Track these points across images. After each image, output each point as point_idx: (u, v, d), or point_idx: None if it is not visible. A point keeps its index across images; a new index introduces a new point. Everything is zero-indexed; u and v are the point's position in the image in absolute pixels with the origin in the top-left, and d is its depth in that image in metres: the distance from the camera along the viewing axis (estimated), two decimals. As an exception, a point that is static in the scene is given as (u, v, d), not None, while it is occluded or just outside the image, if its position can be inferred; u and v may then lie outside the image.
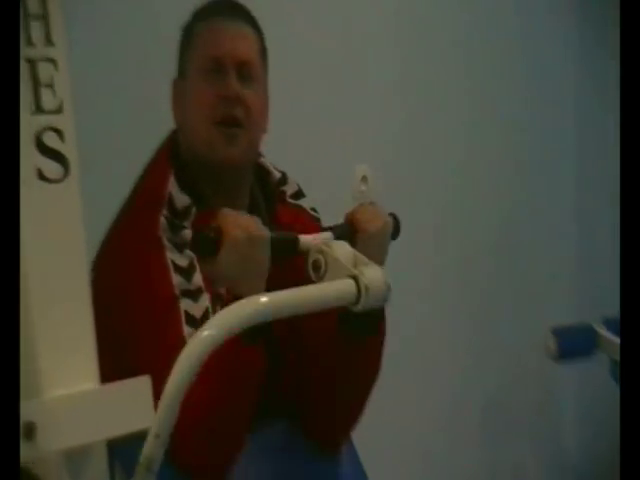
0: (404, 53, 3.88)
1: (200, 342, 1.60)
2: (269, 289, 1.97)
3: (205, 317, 2.02)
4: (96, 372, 1.55)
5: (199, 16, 2.28)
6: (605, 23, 4.41)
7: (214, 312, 2.04)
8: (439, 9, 4.01)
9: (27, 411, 1.43)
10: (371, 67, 3.74)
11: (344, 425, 2.32)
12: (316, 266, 1.94)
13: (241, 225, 1.94)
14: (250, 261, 1.94)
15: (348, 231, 2.13)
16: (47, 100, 1.53)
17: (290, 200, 2.37)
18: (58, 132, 1.54)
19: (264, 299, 1.66)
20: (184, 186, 2.17)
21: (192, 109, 2.22)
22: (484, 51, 4.16)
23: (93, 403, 1.53)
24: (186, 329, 2.02)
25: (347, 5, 3.70)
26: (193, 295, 2.06)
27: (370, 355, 2.24)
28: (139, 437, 1.57)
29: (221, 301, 1.98)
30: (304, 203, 2.39)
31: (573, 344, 3.71)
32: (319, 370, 2.22)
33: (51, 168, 1.53)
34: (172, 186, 2.16)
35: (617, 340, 3.63)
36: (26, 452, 1.42)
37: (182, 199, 2.15)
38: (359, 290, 1.79)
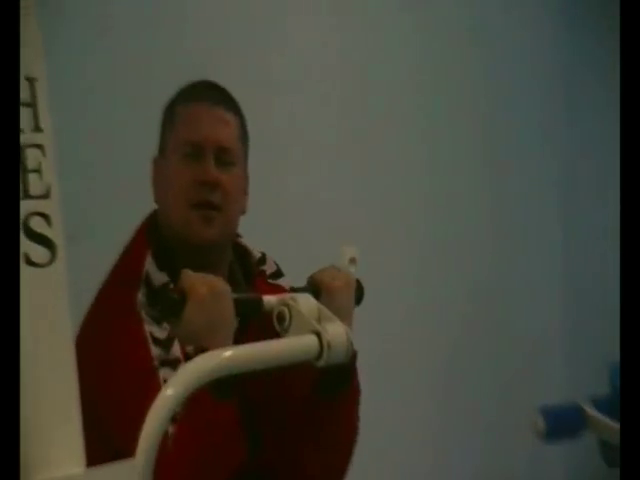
0: (381, 135, 3.89)
1: (163, 401, 1.61)
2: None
3: None
4: (82, 455, 1.53)
5: (182, 97, 2.30)
6: (593, 38, 4.44)
7: None
8: (416, 96, 4.03)
9: (13, 495, 1.43)
10: (353, 149, 3.75)
11: None
12: (280, 318, 1.94)
13: (205, 283, 1.96)
14: (215, 317, 1.96)
15: (312, 292, 2.14)
16: (34, 185, 1.54)
17: (269, 280, 2.37)
18: (45, 217, 1.54)
19: (226, 353, 1.69)
20: (161, 264, 2.18)
21: (170, 190, 2.24)
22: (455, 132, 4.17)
23: (80, 487, 1.50)
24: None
25: (325, 91, 3.77)
26: (172, 364, 2.06)
27: (344, 413, 2.24)
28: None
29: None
30: (282, 282, 2.39)
31: (561, 423, 3.71)
32: (295, 433, 2.20)
33: (38, 252, 1.53)
34: (149, 264, 2.18)
35: (606, 420, 3.63)
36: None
37: (159, 277, 2.15)
38: (321, 346, 1.81)
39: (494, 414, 4.13)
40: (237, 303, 2.02)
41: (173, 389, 1.64)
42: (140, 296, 2.12)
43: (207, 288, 1.96)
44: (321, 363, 1.82)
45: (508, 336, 4.25)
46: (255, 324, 2.13)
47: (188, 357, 2.01)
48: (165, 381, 2.00)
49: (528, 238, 4.38)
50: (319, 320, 1.91)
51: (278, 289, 2.34)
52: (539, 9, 4.61)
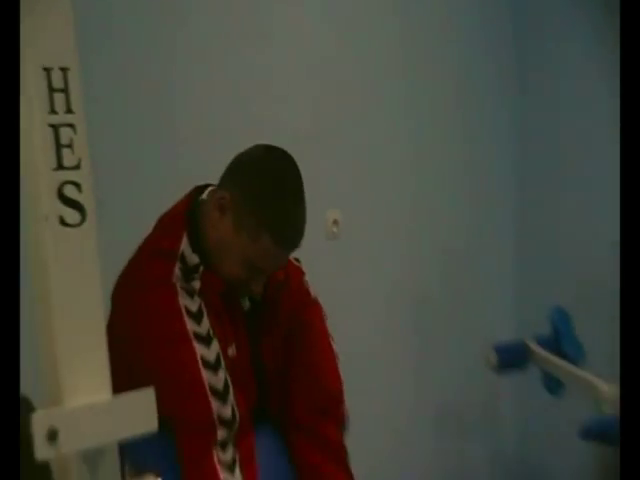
0: (368, 121, 3.90)
1: None
2: None
3: (218, 362, 2.04)
4: (109, 386, 1.56)
5: (272, 219, 2.12)
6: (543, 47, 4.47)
7: (224, 358, 2.07)
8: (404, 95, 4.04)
9: (50, 418, 1.45)
10: (343, 132, 3.78)
11: None
12: None
13: None
14: None
15: None
16: (67, 158, 1.55)
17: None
18: (76, 185, 1.56)
19: None
20: (195, 249, 2.14)
21: (229, 250, 2.14)
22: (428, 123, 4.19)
23: (106, 411, 1.54)
24: (203, 371, 2.02)
25: (317, 87, 3.72)
26: (205, 341, 2.05)
27: (316, 332, 2.30)
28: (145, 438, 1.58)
29: None
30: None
31: (510, 358, 3.74)
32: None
33: (71, 215, 1.54)
34: (185, 246, 2.14)
35: (548, 355, 3.66)
36: (49, 453, 1.44)
37: (193, 258, 2.13)
38: None
39: (455, 351, 4.15)
40: None
41: None
42: (177, 270, 2.10)
43: None
44: None
45: (466, 285, 4.27)
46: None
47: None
48: (202, 357, 2.03)
49: (482, 189, 4.36)
50: None
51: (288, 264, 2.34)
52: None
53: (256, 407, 2.16)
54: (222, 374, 2.03)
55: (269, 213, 2.10)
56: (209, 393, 2.00)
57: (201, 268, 2.11)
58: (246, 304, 2.24)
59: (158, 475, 1.68)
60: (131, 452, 1.76)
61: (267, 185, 2.12)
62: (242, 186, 2.12)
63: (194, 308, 2.06)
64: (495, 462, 4.40)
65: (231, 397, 2.02)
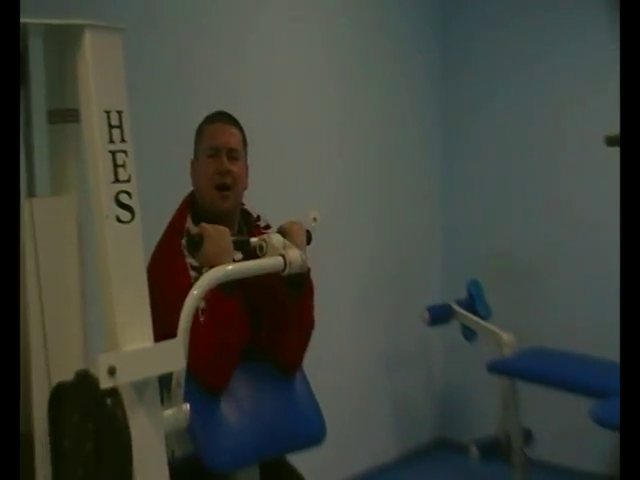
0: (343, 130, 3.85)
1: (191, 297, 1.80)
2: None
3: None
4: (151, 336, 1.61)
5: (207, 120, 2.34)
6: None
7: None
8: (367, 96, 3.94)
9: (110, 359, 1.50)
10: (321, 139, 3.72)
11: (295, 355, 2.30)
12: (260, 248, 2.07)
13: (213, 227, 2.08)
14: (221, 247, 2.06)
15: (279, 233, 2.20)
16: (121, 174, 1.59)
17: (262, 230, 2.38)
18: (128, 193, 1.60)
19: (228, 267, 1.92)
20: (196, 222, 2.22)
21: (201, 178, 2.29)
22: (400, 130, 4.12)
23: (149, 354, 1.60)
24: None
25: (299, 90, 3.62)
26: None
27: (303, 305, 2.27)
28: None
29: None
30: (271, 232, 2.34)
31: (439, 315, 3.81)
32: (276, 320, 2.25)
33: (124, 215, 1.59)
34: (189, 223, 2.24)
35: (465, 313, 3.72)
36: (110, 384, 1.49)
37: (194, 229, 2.19)
38: (285, 263, 1.98)
39: (398, 310, 4.13)
40: (235, 242, 2.12)
41: (196, 290, 1.82)
42: (183, 241, 2.16)
43: (214, 230, 2.07)
44: (285, 273, 1.99)
45: (407, 264, 4.24)
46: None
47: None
48: None
49: (413, 155, 4.29)
50: (284, 249, 2.03)
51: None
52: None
53: (249, 341, 2.16)
54: None
55: (201, 122, 2.34)
56: None
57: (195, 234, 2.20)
58: (239, 257, 2.19)
59: (185, 401, 1.73)
60: (166, 382, 1.80)
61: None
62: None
63: (195, 264, 2.13)
64: (427, 389, 4.39)
65: None
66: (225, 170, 2.23)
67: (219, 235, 2.07)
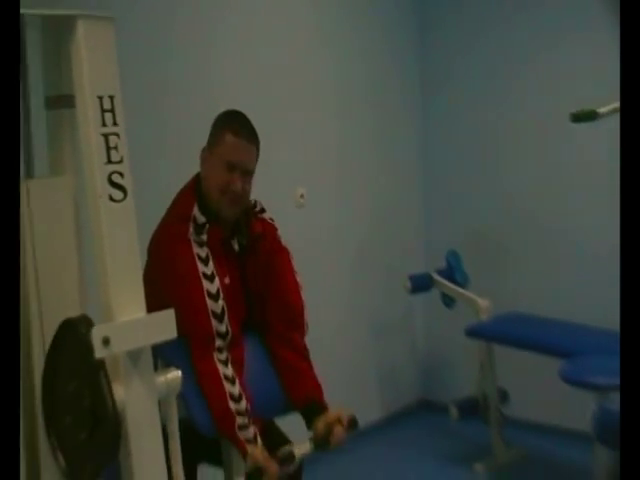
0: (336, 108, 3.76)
1: None
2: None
3: (218, 293, 2.05)
4: (144, 307, 1.62)
5: (230, 128, 2.14)
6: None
7: (223, 292, 2.06)
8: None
9: (105, 330, 1.52)
10: (312, 117, 3.65)
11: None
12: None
13: (268, 461, 1.96)
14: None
15: (322, 443, 2.08)
16: (114, 155, 1.60)
17: (258, 215, 2.31)
18: (120, 174, 1.61)
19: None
20: (203, 211, 2.14)
21: (212, 181, 2.15)
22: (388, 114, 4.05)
23: (142, 324, 1.61)
24: (208, 301, 2.04)
25: (291, 70, 3.54)
26: (210, 278, 2.06)
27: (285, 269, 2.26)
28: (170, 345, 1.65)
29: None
30: (266, 216, 2.33)
31: (420, 284, 3.83)
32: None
33: (117, 194, 1.60)
34: (195, 210, 2.14)
35: (444, 281, 3.73)
36: (104, 353, 1.51)
37: (201, 218, 2.12)
38: None
39: (383, 280, 4.11)
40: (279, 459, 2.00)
41: None
42: (191, 228, 2.10)
43: (272, 467, 1.96)
44: None
45: (390, 235, 4.20)
46: None
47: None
48: (207, 290, 2.03)
49: (396, 165, 4.24)
50: None
51: (264, 222, 2.30)
52: None
53: (245, 321, 2.16)
54: (221, 302, 2.05)
55: (225, 119, 2.17)
56: (211, 315, 2.03)
57: (207, 225, 2.12)
58: (236, 247, 2.21)
59: (178, 368, 1.73)
60: (162, 354, 1.82)
61: (220, 115, 2.21)
62: (210, 134, 2.20)
63: (203, 255, 2.08)
64: (410, 353, 4.39)
65: (226, 318, 2.04)
66: (238, 190, 2.13)
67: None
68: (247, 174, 2.15)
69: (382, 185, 4.14)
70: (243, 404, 1.97)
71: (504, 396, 3.62)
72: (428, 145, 4.36)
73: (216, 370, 1.98)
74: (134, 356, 1.57)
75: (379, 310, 4.15)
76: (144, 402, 1.58)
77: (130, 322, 1.57)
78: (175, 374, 1.70)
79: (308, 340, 2.28)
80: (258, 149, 2.19)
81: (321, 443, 2.05)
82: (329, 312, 3.70)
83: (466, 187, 4.19)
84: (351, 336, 3.98)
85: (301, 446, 2.02)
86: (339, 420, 2.09)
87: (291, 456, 1.98)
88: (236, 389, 1.97)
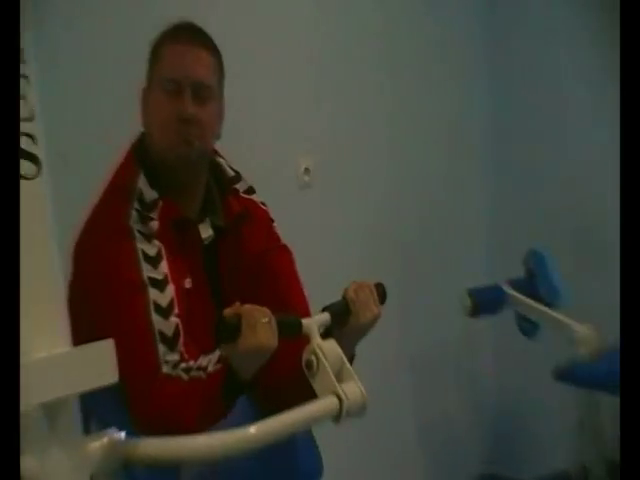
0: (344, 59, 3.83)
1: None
2: None
3: (171, 306, 2.03)
4: (68, 337, 1.56)
5: (166, 38, 2.25)
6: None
7: (178, 304, 2.05)
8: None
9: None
10: (311, 66, 3.70)
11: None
12: (309, 365, 1.95)
13: (257, 334, 1.90)
14: (253, 361, 1.95)
15: (344, 313, 2.15)
16: (21, 110, 1.53)
17: (243, 195, 2.35)
18: (30, 137, 1.54)
19: (250, 430, 1.71)
20: (152, 182, 2.16)
21: (155, 121, 2.21)
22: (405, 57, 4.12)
23: (65, 363, 1.54)
24: (154, 316, 2.01)
25: (294, 19, 3.65)
26: (159, 285, 2.05)
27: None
28: (108, 392, 1.58)
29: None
30: (255, 198, 2.38)
31: (484, 301, 3.77)
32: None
33: (25, 167, 1.53)
34: (142, 183, 2.16)
35: (522, 297, 3.69)
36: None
37: (150, 193, 2.13)
38: (341, 410, 1.88)
39: (425, 296, 4.13)
40: (280, 323, 1.98)
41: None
42: (133, 212, 2.10)
43: (257, 313, 1.92)
44: (337, 423, 1.90)
45: (440, 231, 4.25)
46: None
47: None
48: (154, 302, 2.02)
49: (457, 134, 4.35)
50: (341, 374, 1.95)
51: (250, 203, 2.35)
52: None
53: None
54: (173, 320, 2.02)
55: (160, 38, 2.24)
56: (157, 339, 1.99)
57: (160, 203, 2.12)
58: (208, 232, 2.22)
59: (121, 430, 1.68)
60: (95, 408, 1.77)
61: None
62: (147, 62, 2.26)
63: (152, 252, 2.07)
64: (470, 405, 4.42)
65: (180, 343, 2.01)
66: (189, 116, 2.14)
67: (262, 322, 1.92)
68: (203, 95, 2.17)
69: (428, 158, 4.16)
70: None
71: (615, 471, 3.54)
72: (497, 106, 4.43)
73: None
74: (53, 411, 1.51)
75: (422, 342, 4.14)
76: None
77: (46, 359, 1.50)
78: (115, 437, 1.65)
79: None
80: (217, 56, 2.23)
81: (340, 309, 2.13)
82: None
83: (552, 156, 4.20)
84: (381, 380, 3.94)
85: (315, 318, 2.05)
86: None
87: (297, 326, 2.00)
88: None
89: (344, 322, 2.15)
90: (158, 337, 1.99)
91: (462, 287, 3.77)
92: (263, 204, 2.38)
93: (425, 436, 4.18)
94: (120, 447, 1.66)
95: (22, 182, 1.51)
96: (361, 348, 3.77)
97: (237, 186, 2.35)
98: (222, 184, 2.33)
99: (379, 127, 3.97)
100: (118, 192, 2.16)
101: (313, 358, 1.95)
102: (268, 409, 2.07)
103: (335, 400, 1.88)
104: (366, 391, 3.77)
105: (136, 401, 1.95)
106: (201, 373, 1.99)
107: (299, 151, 3.57)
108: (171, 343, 2.00)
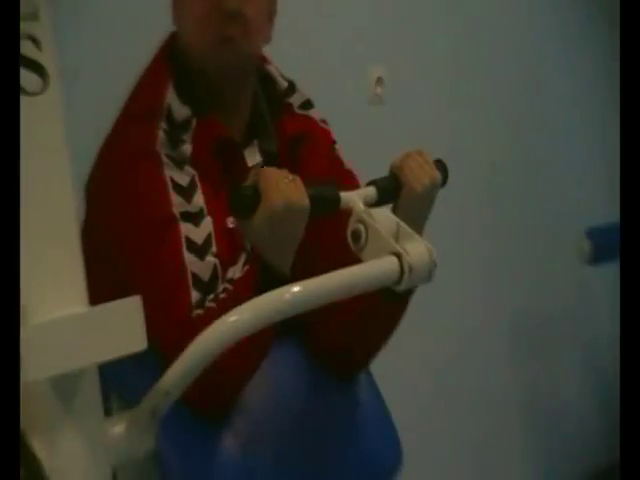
0: None
1: (226, 328, 1.60)
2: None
3: (207, 244, 2.01)
4: (84, 294, 1.55)
5: None
6: None
7: (217, 240, 2.03)
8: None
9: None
10: None
11: (359, 362, 2.33)
12: (356, 236, 1.88)
13: (282, 191, 1.88)
14: (284, 231, 1.92)
15: (393, 186, 2.11)
16: (23, 3, 1.50)
17: (298, 111, 2.34)
18: (35, 41, 1.52)
19: (296, 289, 1.63)
20: (184, 97, 2.14)
21: (188, 17, 2.18)
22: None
23: (81, 327, 1.53)
24: (187, 255, 1.99)
25: None
26: (194, 218, 2.03)
27: (392, 317, 2.26)
28: (134, 363, 1.59)
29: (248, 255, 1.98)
30: (313, 114, 2.36)
31: (608, 244, 3.72)
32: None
33: (29, 80, 1.51)
34: (171, 97, 2.13)
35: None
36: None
37: (182, 111, 2.12)
38: (402, 270, 1.75)
39: (541, 242, 4.13)
40: (313, 200, 1.93)
41: (240, 317, 1.61)
42: (160, 133, 2.08)
43: (284, 198, 1.88)
44: (401, 287, 1.77)
45: (548, 159, 4.24)
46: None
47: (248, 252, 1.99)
48: (187, 237, 2.00)
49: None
50: (398, 238, 1.84)
51: (306, 120, 2.34)
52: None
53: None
54: (210, 259, 1.99)
55: None
56: (190, 284, 1.97)
57: (194, 122, 2.11)
58: (256, 159, 2.21)
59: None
60: (118, 381, 1.77)
61: None
62: None
63: (184, 181, 2.05)
64: (588, 375, 4.41)
65: (219, 290, 1.98)
66: (231, 9, 2.09)
67: (289, 211, 1.89)
68: None
69: (538, 73, 4.21)
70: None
71: None
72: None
73: None
74: (65, 388, 1.52)
75: (527, 298, 4.16)
76: (85, 473, 1.54)
77: (57, 322, 1.50)
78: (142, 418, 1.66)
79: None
80: None
81: (388, 182, 2.10)
82: (442, 294, 3.68)
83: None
84: (478, 337, 3.99)
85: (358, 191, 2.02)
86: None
87: (335, 199, 1.96)
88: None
89: (397, 197, 2.12)
90: (191, 280, 1.96)
91: (579, 228, 3.74)
92: (324, 122, 2.36)
93: (529, 436, 4.24)
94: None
95: (23, 98, 1.50)
96: (452, 293, 3.83)
97: (291, 100, 2.33)
98: (273, 99, 2.31)
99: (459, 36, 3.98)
100: (143, 109, 2.16)
101: (360, 226, 1.88)
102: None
103: (393, 258, 1.77)
104: (458, 339, 3.85)
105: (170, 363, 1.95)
106: (227, 286, 1.99)
107: (369, 57, 3.55)
108: (207, 289, 1.97)
